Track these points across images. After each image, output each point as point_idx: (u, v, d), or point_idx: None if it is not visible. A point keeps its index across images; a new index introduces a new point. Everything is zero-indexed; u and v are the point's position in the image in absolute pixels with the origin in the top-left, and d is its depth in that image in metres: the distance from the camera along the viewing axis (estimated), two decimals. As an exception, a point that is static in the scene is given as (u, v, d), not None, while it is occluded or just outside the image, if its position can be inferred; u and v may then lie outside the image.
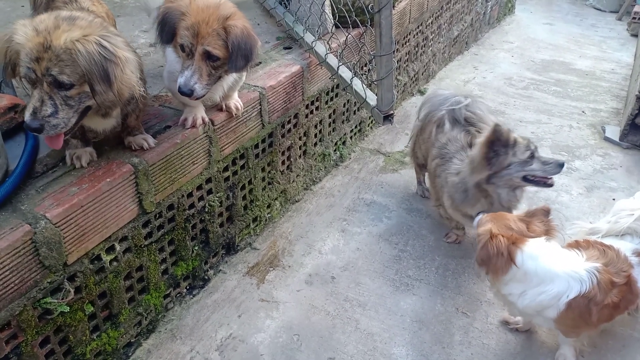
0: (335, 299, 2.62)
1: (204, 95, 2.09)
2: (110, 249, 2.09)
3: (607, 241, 2.17)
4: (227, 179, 2.61)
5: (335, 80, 3.01)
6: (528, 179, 2.43)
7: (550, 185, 2.46)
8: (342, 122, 3.53)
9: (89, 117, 1.83)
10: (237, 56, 2.02)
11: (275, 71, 2.80)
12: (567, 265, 2.02)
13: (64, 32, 1.63)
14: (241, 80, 2.38)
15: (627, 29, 6.48)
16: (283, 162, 3.02)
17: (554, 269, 2.01)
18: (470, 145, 2.64)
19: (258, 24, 3.38)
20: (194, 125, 2.31)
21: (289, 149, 3.02)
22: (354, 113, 3.64)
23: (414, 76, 4.48)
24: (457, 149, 2.67)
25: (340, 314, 2.54)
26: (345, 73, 2.70)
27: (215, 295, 2.62)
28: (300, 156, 3.16)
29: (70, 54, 1.63)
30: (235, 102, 2.44)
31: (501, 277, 2.05)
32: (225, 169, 2.58)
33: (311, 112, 3.12)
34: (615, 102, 4.59)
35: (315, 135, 3.26)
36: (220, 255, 2.75)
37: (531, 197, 3.36)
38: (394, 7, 3.68)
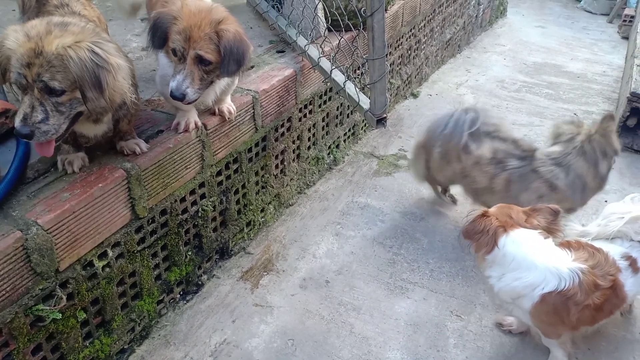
0: (330, 303, 2.62)
1: (196, 100, 2.09)
2: (102, 255, 2.07)
3: (598, 244, 2.18)
4: (220, 183, 2.60)
5: (329, 84, 3.01)
6: None
7: None
8: (336, 125, 3.53)
9: (81, 122, 1.82)
10: (229, 61, 2.01)
11: (268, 75, 2.80)
12: (549, 260, 2.03)
13: (56, 37, 1.62)
14: (234, 84, 2.38)
15: (618, 32, 6.53)
16: (277, 166, 3.01)
17: (533, 259, 2.03)
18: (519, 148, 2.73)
19: (251, 28, 3.37)
20: (186, 130, 2.30)
21: (282, 152, 3.01)
22: (347, 116, 3.64)
23: (407, 79, 4.49)
24: (509, 157, 2.70)
25: (334, 318, 2.54)
26: (339, 76, 2.70)
27: (209, 300, 2.61)
28: (293, 160, 3.15)
29: (61, 60, 1.62)
30: (228, 106, 2.43)
31: (484, 255, 2.07)
32: (219, 173, 2.57)
33: (304, 115, 3.12)
34: (606, 105, 4.62)
35: (309, 139, 3.26)
36: (214, 260, 2.74)
37: (524, 200, 3.37)
38: (386, 10, 3.70)
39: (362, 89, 2.79)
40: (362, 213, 3.22)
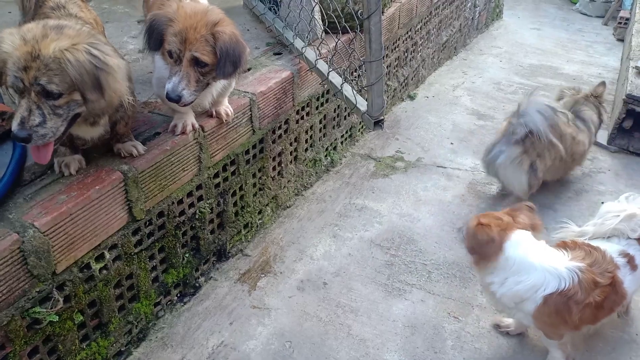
0: (327, 305, 2.62)
1: (192, 102, 2.09)
2: (99, 257, 2.07)
3: (595, 243, 2.19)
4: (217, 185, 2.60)
5: (326, 86, 3.02)
6: None
7: None
8: (333, 127, 3.53)
9: (77, 125, 1.82)
10: (226, 62, 2.01)
11: (265, 77, 2.80)
12: (547, 261, 2.04)
13: (53, 41, 1.62)
14: (230, 86, 2.38)
15: (613, 34, 6.57)
16: (274, 168, 3.01)
17: (532, 260, 2.04)
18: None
19: (248, 30, 3.38)
20: (183, 132, 2.30)
21: (279, 154, 3.01)
22: (345, 118, 3.64)
23: (404, 81, 4.50)
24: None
25: (332, 320, 2.54)
26: (336, 79, 2.71)
27: (207, 302, 2.60)
28: (291, 162, 3.15)
29: (59, 63, 1.62)
30: (225, 108, 2.43)
31: (490, 264, 2.07)
32: (216, 175, 2.57)
33: (302, 117, 3.12)
34: (602, 106, 4.64)
35: (306, 141, 3.26)
36: (211, 262, 2.73)
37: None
38: (383, 13, 3.71)
39: (360, 91, 2.79)
40: (359, 215, 3.23)
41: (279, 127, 2.93)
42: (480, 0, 5.92)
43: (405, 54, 4.38)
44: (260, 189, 2.93)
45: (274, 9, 3.29)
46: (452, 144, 4.05)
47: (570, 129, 3.16)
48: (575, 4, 7.66)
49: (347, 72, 2.92)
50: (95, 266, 2.05)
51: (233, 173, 2.68)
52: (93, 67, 1.67)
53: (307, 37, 2.95)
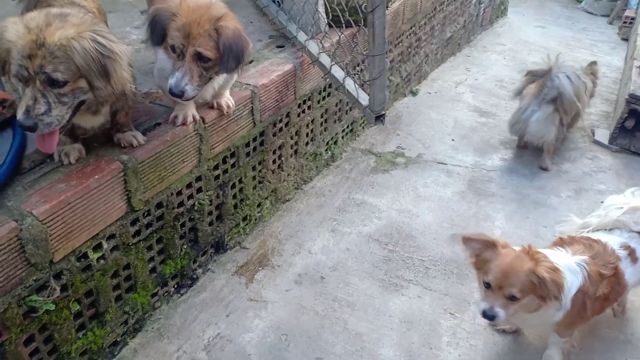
0: (324, 299, 2.62)
1: (195, 96, 2.09)
2: (97, 247, 2.07)
3: (597, 235, 2.19)
4: (217, 177, 2.59)
5: (328, 80, 3.01)
6: None
7: None
8: (334, 121, 3.52)
9: (79, 114, 1.81)
10: (229, 58, 2.01)
11: (267, 70, 2.79)
12: (565, 262, 2.00)
13: (57, 29, 1.62)
14: (232, 78, 2.37)
15: (617, 33, 6.53)
16: (274, 161, 3.00)
17: (563, 267, 1.97)
18: None
19: (251, 22, 3.36)
20: (184, 123, 2.30)
21: (280, 148, 3.01)
22: (346, 113, 3.63)
23: (406, 77, 4.48)
24: None
25: (328, 314, 2.54)
26: (338, 72, 2.69)
27: (204, 294, 2.61)
28: (291, 155, 3.15)
29: (65, 51, 1.62)
30: (227, 100, 2.42)
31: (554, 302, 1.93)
32: (216, 167, 2.57)
33: (303, 111, 3.11)
34: (605, 106, 4.62)
35: (307, 135, 3.25)
36: (209, 254, 2.73)
37: (520, 200, 3.38)
38: (387, 7, 3.68)
39: (362, 86, 2.78)
40: (358, 210, 3.22)
41: (280, 120, 2.93)
42: (485, -3, 5.89)
43: (409, 50, 4.36)
44: (260, 182, 2.93)
45: (278, 1, 3.27)
46: (453, 140, 4.04)
47: (585, 93, 3.81)
48: (581, 2, 7.62)
49: (349, 67, 2.90)
50: (93, 256, 2.05)
51: (233, 165, 2.68)
52: (99, 54, 1.67)
53: (310, 30, 2.93)
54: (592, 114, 4.45)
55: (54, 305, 1.90)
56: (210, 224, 2.66)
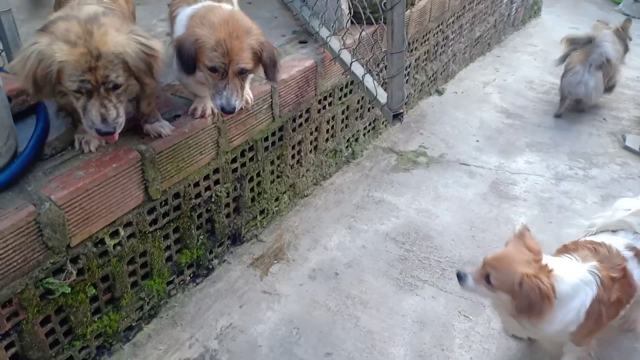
0: (337, 295, 2.62)
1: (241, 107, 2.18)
2: (114, 234, 2.11)
3: (601, 238, 2.11)
4: (235, 170, 2.62)
5: (349, 77, 3.00)
6: None
7: None
8: (356, 118, 3.51)
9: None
10: (272, 67, 2.11)
11: (288, 65, 2.80)
12: (578, 272, 1.95)
13: (104, 35, 1.69)
14: (250, 75, 2.39)
15: (656, 36, 6.31)
16: (293, 156, 3.02)
17: (575, 281, 1.91)
18: None
19: (275, 17, 3.38)
20: (203, 115, 2.33)
21: (299, 143, 3.02)
22: (368, 110, 3.62)
23: (433, 75, 4.43)
24: None
25: (341, 310, 2.54)
26: (358, 69, 2.69)
27: (219, 284, 2.64)
28: (310, 151, 3.15)
29: (119, 56, 1.73)
30: (246, 94, 2.44)
31: (547, 317, 1.86)
32: (234, 160, 2.59)
33: (324, 107, 3.11)
34: (637, 111, 4.47)
35: (327, 131, 3.25)
36: (226, 245, 2.77)
37: (544, 204, 3.31)
38: (413, 5, 3.66)
39: (383, 84, 2.76)
40: (376, 208, 3.21)
41: (300, 116, 2.93)
42: (517, -4, 5.77)
43: (435, 48, 4.31)
44: (278, 177, 2.95)
45: (302, -4, 3.28)
46: (477, 141, 3.98)
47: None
48: (619, 4, 7.39)
49: (371, 64, 2.89)
50: (110, 242, 2.10)
51: (251, 159, 2.70)
52: (145, 54, 1.80)
53: (332, 27, 2.93)
54: (623, 119, 4.33)
55: (69, 288, 1.96)
56: (227, 215, 2.69)
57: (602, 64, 4.03)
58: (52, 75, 1.68)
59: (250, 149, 2.67)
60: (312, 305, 2.56)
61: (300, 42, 3.07)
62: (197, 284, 2.62)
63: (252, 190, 2.79)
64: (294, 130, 2.92)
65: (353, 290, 2.65)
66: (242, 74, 2.04)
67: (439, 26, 4.22)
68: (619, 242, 2.08)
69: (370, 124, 3.72)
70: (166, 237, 2.39)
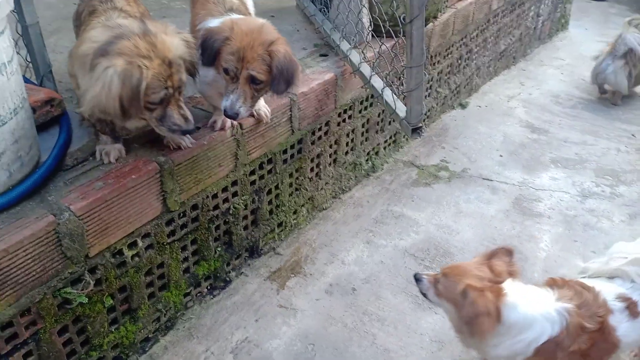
0: (354, 312, 2.59)
1: (247, 116, 2.17)
2: (132, 245, 2.13)
3: (596, 282, 1.96)
4: (253, 182, 2.62)
5: (369, 90, 2.99)
6: None
7: None
8: (376, 132, 3.49)
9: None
10: (280, 81, 2.07)
11: (308, 78, 2.80)
12: (542, 307, 1.84)
13: (164, 43, 1.77)
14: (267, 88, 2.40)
15: (689, 51, 6.16)
16: (312, 169, 3.01)
17: (532, 314, 1.82)
18: None
19: (297, 30, 3.39)
20: (222, 128, 2.34)
21: (318, 156, 3.01)
22: (389, 123, 3.59)
23: (456, 89, 4.39)
24: None
25: (357, 327, 2.51)
26: (377, 83, 2.67)
27: (235, 297, 2.63)
28: (330, 164, 3.14)
29: (181, 58, 1.84)
30: (264, 107, 2.45)
31: (487, 337, 1.81)
32: (252, 172, 2.60)
33: (343, 120, 3.11)
34: (669, 127, 4.35)
35: (347, 144, 3.24)
36: (243, 257, 2.76)
37: (569, 221, 3.23)
38: (436, 18, 3.64)
39: (404, 97, 2.75)
40: (396, 222, 3.17)
41: (319, 129, 2.93)
42: (543, 10, 5.69)
43: (459, 61, 4.27)
44: (296, 189, 2.94)
45: (324, 10, 3.29)
46: (501, 156, 3.91)
47: None
48: (650, 16, 7.23)
49: (392, 77, 2.87)
50: (128, 253, 2.11)
51: (270, 171, 2.70)
52: (193, 56, 1.94)
53: (353, 40, 2.93)
54: (653, 135, 4.21)
55: (87, 299, 1.97)
56: (245, 228, 2.69)
57: (625, 52, 4.45)
58: (141, 92, 1.73)
59: (269, 161, 2.67)
60: (328, 321, 2.53)
61: (321, 55, 3.08)
62: (214, 296, 2.62)
63: (270, 202, 2.79)
64: (313, 143, 2.92)
65: (370, 306, 2.62)
66: (253, 83, 2.04)
67: (462, 39, 4.18)
68: (611, 291, 1.91)
69: (391, 137, 3.70)
70: (184, 248, 2.39)
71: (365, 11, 2.90)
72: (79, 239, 1.88)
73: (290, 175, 2.85)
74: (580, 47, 6.10)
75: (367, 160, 3.50)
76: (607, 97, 4.79)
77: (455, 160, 3.81)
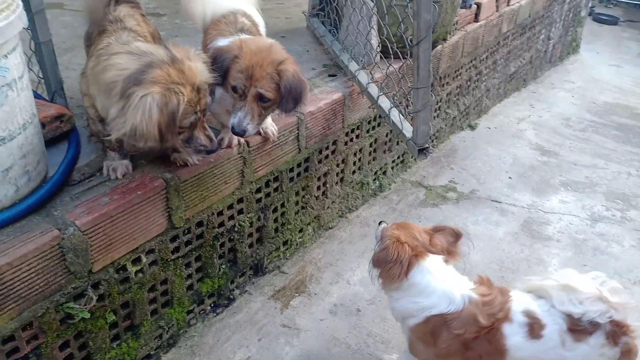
0: (358, 333, 2.56)
1: (254, 134, 2.20)
2: (136, 261, 2.13)
3: (522, 295, 1.96)
4: (259, 200, 2.63)
5: (376, 110, 3.00)
6: None
7: None
8: (384, 152, 3.49)
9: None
10: (288, 99, 2.09)
11: (316, 98, 2.82)
12: (448, 285, 1.93)
13: (190, 70, 1.82)
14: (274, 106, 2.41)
15: (702, 75, 6.13)
16: (318, 188, 3.01)
17: (435, 286, 1.93)
18: None
19: (307, 51, 3.43)
20: (229, 146, 2.36)
21: (325, 175, 3.01)
22: (397, 143, 3.59)
23: (465, 110, 4.39)
24: None
25: (361, 349, 2.48)
26: (384, 103, 2.68)
27: (239, 315, 2.62)
28: (337, 183, 3.14)
29: (207, 82, 1.89)
30: (270, 126, 2.47)
31: (392, 284, 1.98)
32: (258, 190, 2.60)
33: (351, 139, 3.11)
34: (681, 151, 4.31)
35: (354, 163, 3.24)
36: (248, 275, 2.75)
37: (578, 245, 3.18)
38: (445, 40, 3.66)
39: (412, 118, 2.75)
40: (402, 243, 3.15)
41: (326, 148, 2.94)
42: (554, 33, 5.70)
43: (468, 83, 4.28)
44: (302, 208, 2.94)
45: (333, 31, 3.33)
46: (510, 178, 3.89)
47: None
48: (663, 41, 7.22)
49: (397, 98, 2.88)
50: (132, 269, 2.11)
51: (276, 189, 2.70)
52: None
53: (361, 61, 2.95)
54: (666, 159, 4.17)
55: (89, 314, 1.97)
56: (250, 245, 2.69)
57: None
58: (177, 118, 1.78)
59: (275, 179, 2.68)
60: (331, 342, 2.50)
61: (330, 76, 3.10)
62: (217, 314, 2.61)
63: (275, 220, 2.78)
64: (320, 162, 2.92)
65: (375, 328, 2.59)
66: (261, 101, 2.06)
67: (471, 61, 4.20)
68: (523, 304, 1.91)
69: (398, 157, 3.70)
70: (188, 265, 2.39)
71: (373, 32, 2.92)
72: (82, 254, 1.89)
73: (297, 193, 2.85)
74: (592, 71, 6.10)
75: (374, 179, 3.49)
76: None
77: (463, 182, 3.79)
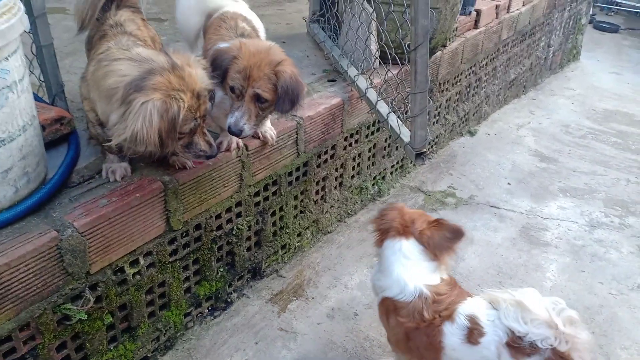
0: (355, 337, 2.56)
1: (251, 134, 2.21)
2: (134, 263, 2.14)
3: (478, 301, 1.95)
4: (257, 203, 2.64)
5: (374, 115, 3.01)
6: None
7: None
8: (383, 156, 3.51)
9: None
10: (285, 100, 2.10)
11: (315, 102, 2.84)
12: (406, 275, 1.99)
13: (190, 76, 1.84)
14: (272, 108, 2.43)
15: (702, 83, 6.15)
16: (317, 192, 3.02)
17: (393, 269, 2.01)
18: None
19: (307, 56, 3.45)
20: (228, 149, 2.37)
21: (324, 179, 3.02)
22: (396, 149, 3.61)
23: (464, 116, 4.40)
24: None
25: (358, 353, 2.48)
26: (383, 108, 2.70)
27: (236, 319, 2.62)
28: (335, 187, 3.15)
29: (207, 88, 1.92)
30: (269, 129, 2.48)
31: (375, 248, 2.16)
32: (257, 193, 2.61)
33: (350, 144, 3.13)
34: (681, 158, 4.32)
35: (353, 168, 3.25)
36: (246, 279, 2.76)
37: (576, 251, 3.19)
38: (445, 46, 3.68)
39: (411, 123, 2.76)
40: (400, 248, 3.15)
41: (325, 152, 2.95)
42: (555, 40, 5.73)
43: (468, 89, 4.30)
44: (301, 212, 2.95)
45: (333, 37, 3.35)
46: (509, 184, 3.90)
47: None
48: (663, 49, 7.25)
49: (395, 103, 2.89)
50: (129, 270, 2.12)
51: (274, 193, 2.71)
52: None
53: (360, 66, 2.97)
54: (665, 166, 4.17)
55: (86, 315, 1.98)
56: (248, 249, 2.70)
57: None
58: (178, 124, 1.80)
59: (274, 183, 2.69)
60: (328, 346, 2.51)
61: (329, 81, 3.12)
62: (215, 317, 2.61)
63: (274, 224, 2.79)
64: (318, 166, 2.93)
65: (372, 332, 2.59)
66: (259, 101, 2.08)
67: (471, 68, 4.22)
68: (469, 308, 1.90)
69: (397, 163, 3.71)
70: (186, 268, 2.40)
71: (372, 38, 2.94)
72: (80, 255, 1.90)
73: (295, 197, 2.86)
74: (592, 78, 6.12)
75: (373, 184, 3.50)
76: None
77: (462, 187, 3.80)
